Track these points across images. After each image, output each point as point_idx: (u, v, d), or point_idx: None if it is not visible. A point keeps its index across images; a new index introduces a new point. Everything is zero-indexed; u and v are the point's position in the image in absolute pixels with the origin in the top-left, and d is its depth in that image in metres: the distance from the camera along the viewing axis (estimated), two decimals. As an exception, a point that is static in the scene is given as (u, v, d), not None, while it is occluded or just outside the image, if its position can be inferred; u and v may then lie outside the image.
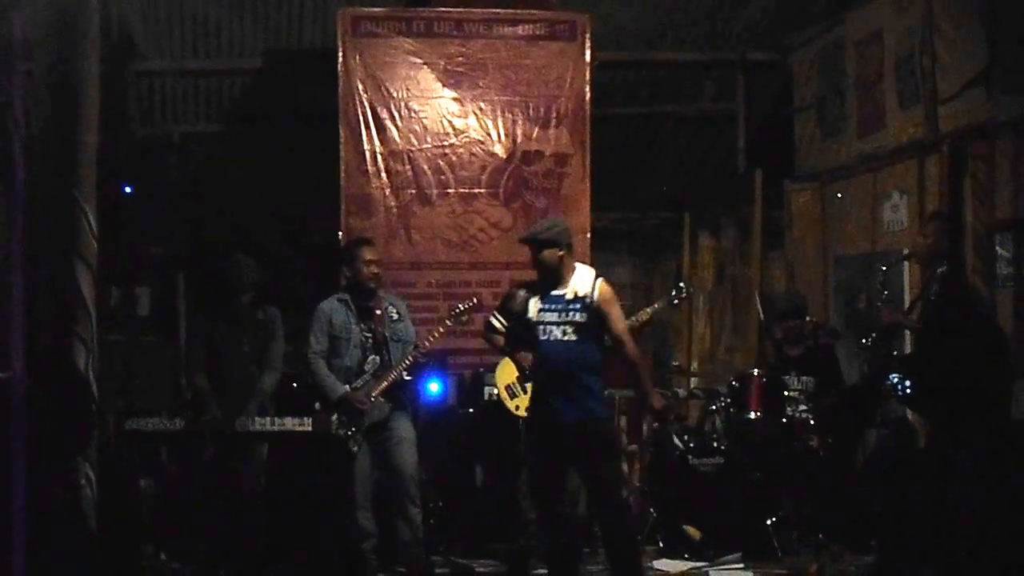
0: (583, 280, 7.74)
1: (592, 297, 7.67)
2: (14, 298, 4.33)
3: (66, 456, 7.79)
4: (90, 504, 8.00)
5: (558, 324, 7.74)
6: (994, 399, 7.78)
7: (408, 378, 8.64)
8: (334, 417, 8.44)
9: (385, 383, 8.52)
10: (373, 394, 8.47)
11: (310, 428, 8.26)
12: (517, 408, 9.01)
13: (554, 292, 7.75)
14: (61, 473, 7.55)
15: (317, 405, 8.55)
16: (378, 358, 8.58)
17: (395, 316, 8.72)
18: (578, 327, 7.68)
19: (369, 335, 8.59)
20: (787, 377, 9.44)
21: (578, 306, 7.67)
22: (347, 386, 8.50)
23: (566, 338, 7.66)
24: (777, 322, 10.09)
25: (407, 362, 8.54)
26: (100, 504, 8.02)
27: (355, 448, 8.46)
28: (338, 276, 9.84)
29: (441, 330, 8.81)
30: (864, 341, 9.20)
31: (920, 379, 8.05)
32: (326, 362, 8.59)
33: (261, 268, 9.03)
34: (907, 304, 9.39)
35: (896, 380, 8.24)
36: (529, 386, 8.73)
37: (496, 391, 9.43)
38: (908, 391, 8.15)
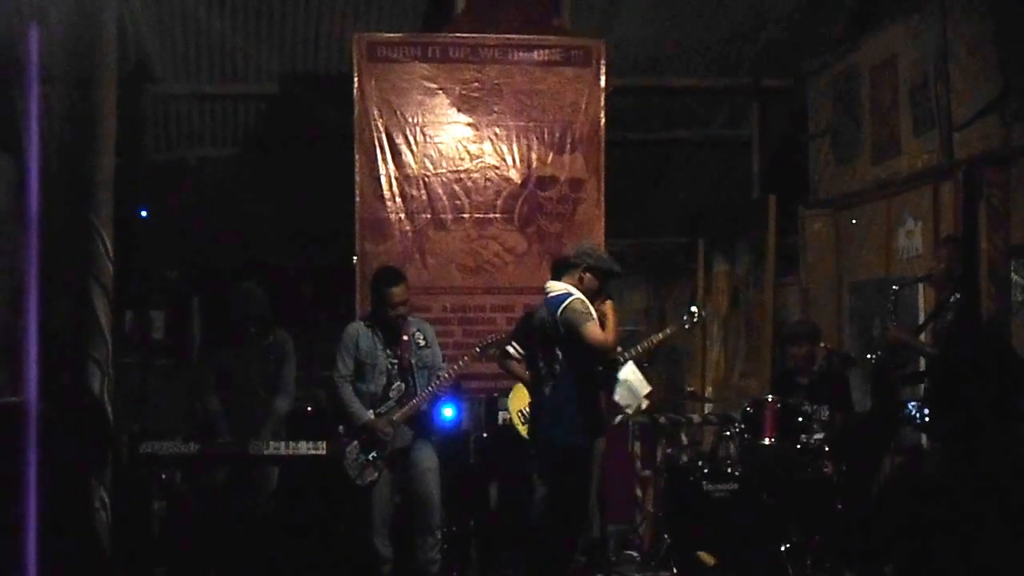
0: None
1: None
2: (28, 321, 4.33)
3: (81, 479, 7.81)
4: (104, 527, 8.02)
5: (527, 348, 8.16)
6: (1011, 427, 7.77)
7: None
8: (355, 442, 8.43)
9: (409, 411, 8.51)
10: (395, 418, 8.46)
11: (324, 452, 8.26)
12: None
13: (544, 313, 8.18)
14: (76, 496, 7.57)
15: (341, 428, 8.53)
16: (403, 385, 8.57)
17: (422, 343, 8.70)
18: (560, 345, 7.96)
19: (395, 361, 8.58)
20: (804, 407, 9.41)
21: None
22: (371, 411, 8.49)
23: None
24: (788, 349, 10.07)
25: (430, 390, 8.55)
26: (114, 527, 8.05)
27: (375, 475, 8.45)
28: (353, 300, 9.88)
29: (465, 360, 8.81)
30: (869, 357, 9.21)
31: (937, 407, 8.04)
32: (352, 386, 8.59)
33: (267, 296, 9.06)
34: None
35: (913, 407, 8.25)
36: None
37: (509, 416, 9.43)
38: (925, 419, 8.15)
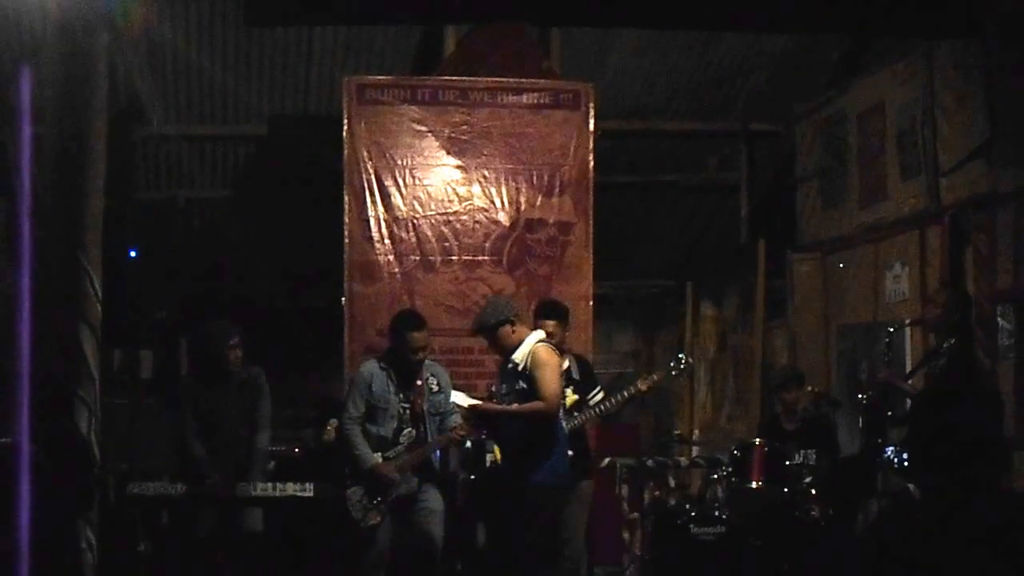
0: (524, 348, 8.07)
1: (526, 364, 7.97)
2: (21, 361, 4.34)
3: (67, 518, 7.78)
4: (90, 568, 7.99)
5: (507, 395, 8.14)
6: (990, 471, 7.81)
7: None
8: (359, 486, 8.36)
9: (417, 457, 8.46)
10: (402, 463, 8.39)
11: (311, 495, 8.23)
12: (516, 475, 8.98)
13: (509, 364, 8.12)
14: (63, 536, 7.54)
15: (347, 470, 8.46)
16: (414, 431, 8.47)
17: (435, 388, 8.61)
18: (519, 395, 8.00)
19: (407, 406, 8.48)
20: (792, 451, 9.42)
21: (520, 374, 8.01)
22: (379, 455, 8.43)
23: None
24: (780, 395, 10.07)
25: (441, 441, 8.53)
26: (100, 567, 8.01)
27: (378, 519, 8.38)
28: (340, 341, 9.88)
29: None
30: (860, 397, 9.22)
31: (917, 450, 8.08)
32: (361, 428, 8.56)
33: (240, 330, 9.02)
34: (908, 371, 9.40)
35: (892, 452, 8.28)
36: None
37: (495, 457, 9.42)
38: (905, 463, 8.18)
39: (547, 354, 8.01)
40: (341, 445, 8.61)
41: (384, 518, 8.37)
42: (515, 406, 8.05)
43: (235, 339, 8.88)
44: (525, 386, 7.98)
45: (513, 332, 8.14)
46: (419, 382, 8.51)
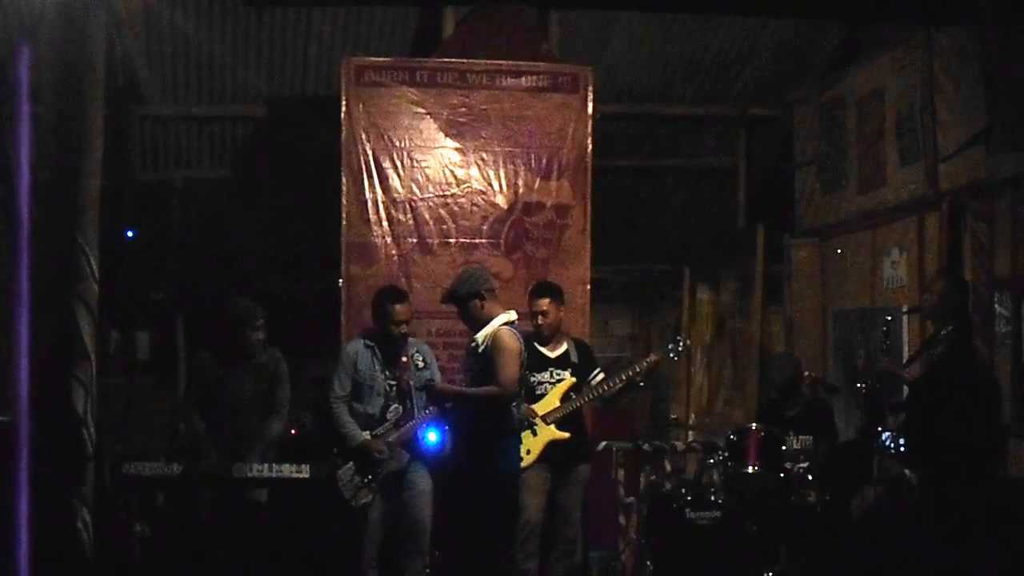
0: (488, 329, 8.05)
1: (486, 346, 7.96)
2: (19, 341, 4.33)
3: (61, 495, 7.79)
4: (86, 548, 7.99)
5: (465, 373, 8.20)
6: (987, 457, 7.81)
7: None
8: (350, 464, 8.41)
9: (405, 433, 8.50)
10: (391, 440, 8.45)
11: (307, 476, 8.23)
12: (514, 456, 8.98)
13: (472, 343, 8.11)
14: (58, 513, 7.55)
15: (336, 450, 8.50)
16: (400, 407, 8.54)
17: (421, 364, 8.68)
18: (474, 376, 8.00)
19: (393, 383, 8.55)
20: (788, 436, 9.43)
21: (479, 356, 8.00)
22: (367, 433, 8.47)
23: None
24: (777, 383, 10.09)
25: (427, 414, 8.54)
26: (96, 547, 8.02)
27: (369, 497, 8.43)
28: (338, 322, 9.86)
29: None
30: (859, 386, 9.22)
31: (913, 436, 8.08)
32: (348, 407, 8.58)
33: (265, 312, 9.01)
34: (905, 358, 9.41)
35: (888, 438, 8.28)
36: (525, 436, 8.77)
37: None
38: (901, 448, 8.19)
39: (508, 339, 7.98)
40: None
41: (375, 496, 8.42)
42: (471, 389, 8.04)
43: (260, 320, 8.87)
44: (481, 368, 7.96)
45: (483, 307, 8.11)
46: (404, 358, 8.54)
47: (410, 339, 8.73)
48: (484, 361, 7.96)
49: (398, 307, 8.59)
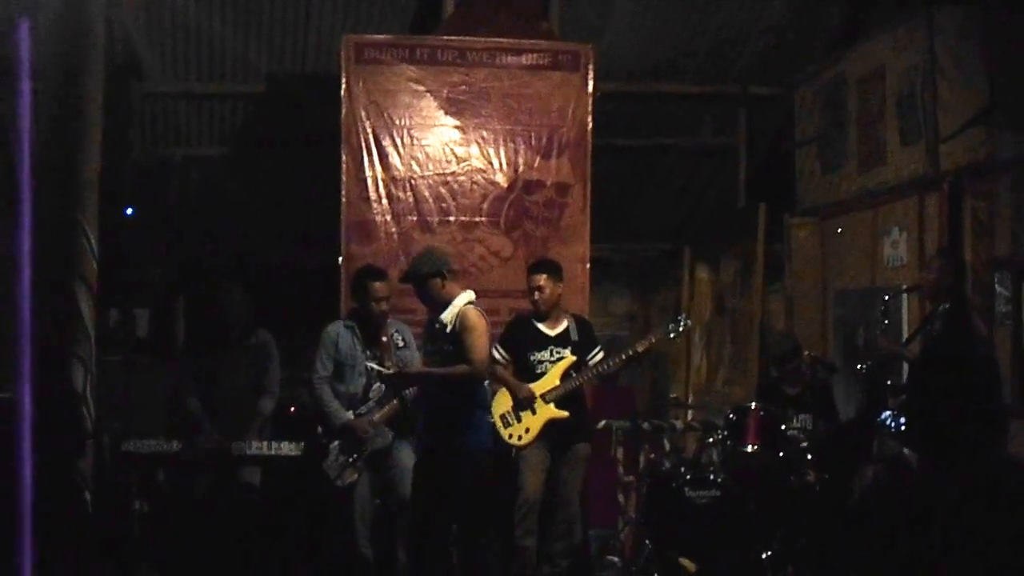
0: (452, 309, 7.95)
1: (454, 326, 7.88)
2: (21, 319, 4.32)
3: (60, 469, 7.78)
4: (87, 524, 7.99)
5: (432, 354, 8.07)
6: (987, 436, 7.80)
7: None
8: (335, 443, 8.46)
9: (388, 411, 8.53)
10: (375, 419, 8.49)
11: (299, 453, 8.29)
12: (511, 437, 8.98)
13: (436, 324, 8.00)
14: (57, 488, 7.54)
15: (320, 430, 8.56)
16: (383, 386, 8.58)
17: (400, 344, 8.71)
18: (445, 357, 7.90)
19: (374, 363, 8.56)
20: (788, 415, 9.44)
21: (446, 336, 7.91)
22: (351, 412, 8.52)
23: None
24: (780, 363, 10.09)
25: (410, 391, 8.53)
26: (95, 525, 8.02)
27: (355, 476, 8.47)
28: (337, 301, 9.87)
29: None
30: (860, 368, 9.22)
31: (914, 415, 8.07)
32: (331, 387, 8.60)
33: (249, 298, 9.05)
34: (905, 337, 9.41)
35: (888, 417, 8.28)
36: (524, 414, 8.78)
37: (492, 420, 9.42)
38: (901, 427, 8.19)
39: (476, 318, 7.91)
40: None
41: (361, 474, 8.46)
42: (442, 369, 8.01)
43: (245, 307, 8.98)
44: (451, 348, 7.92)
45: (443, 287, 7.98)
46: (384, 338, 8.53)
47: (390, 320, 8.76)
48: (453, 341, 7.91)
49: (378, 284, 8.65)
